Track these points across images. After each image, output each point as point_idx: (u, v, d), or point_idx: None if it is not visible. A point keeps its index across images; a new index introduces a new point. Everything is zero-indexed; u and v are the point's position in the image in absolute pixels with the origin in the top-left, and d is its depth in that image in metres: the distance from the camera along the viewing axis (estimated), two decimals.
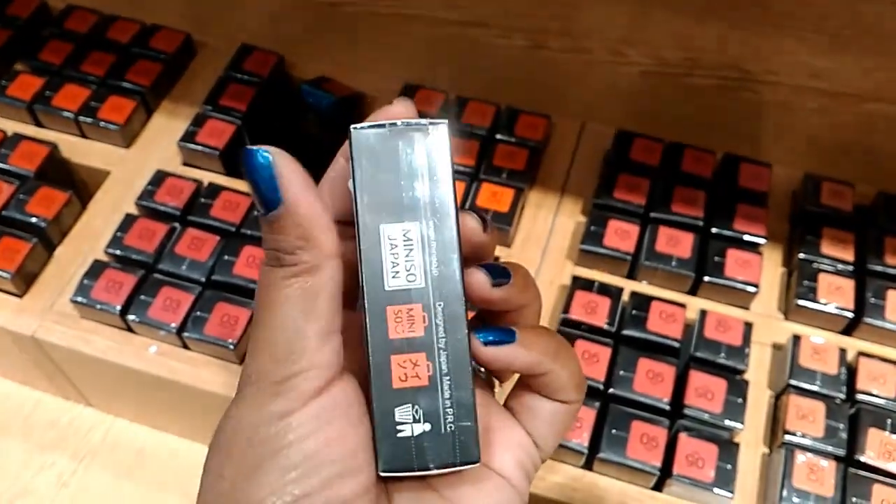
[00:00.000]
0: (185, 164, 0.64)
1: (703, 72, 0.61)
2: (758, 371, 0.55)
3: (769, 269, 0.60)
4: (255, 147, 0.26)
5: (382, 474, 0.27)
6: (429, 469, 0.27)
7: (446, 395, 0.27)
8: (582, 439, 0.49)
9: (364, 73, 0.70)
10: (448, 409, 0.27)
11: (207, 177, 0.62)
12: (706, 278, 0.57)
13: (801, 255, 0.58)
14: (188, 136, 0.63)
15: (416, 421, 0.27)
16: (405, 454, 0.27)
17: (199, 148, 0.62)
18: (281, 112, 0.67)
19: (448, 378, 0.27)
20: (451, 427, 0.27)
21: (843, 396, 0.52)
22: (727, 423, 0.50)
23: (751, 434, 0.52)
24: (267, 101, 0.66)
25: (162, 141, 0.66)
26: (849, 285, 0.56)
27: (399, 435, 0.27)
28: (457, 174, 0.59)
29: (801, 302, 0.56)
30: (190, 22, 0.72)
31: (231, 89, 0.66)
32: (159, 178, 0.61)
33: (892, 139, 0.61)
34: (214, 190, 0.60)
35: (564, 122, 0.67)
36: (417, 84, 0.67)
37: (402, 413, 0.27)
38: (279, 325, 0.26)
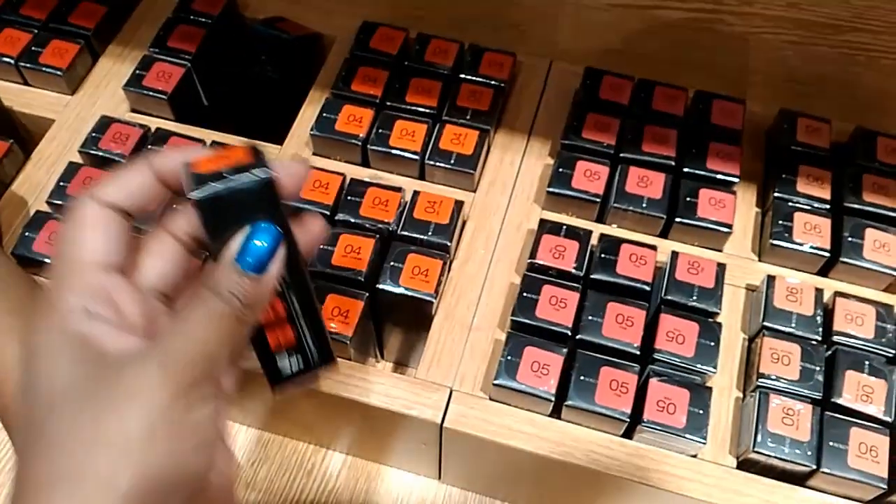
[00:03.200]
0: (133, 110, 0.61)
1: (675, 3, 0.58)
2: (731, 314, 0.53)
3: (743, 210, 0.58)
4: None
5: None
6: None
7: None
8: (549, 386, 0.48)
9: (321, 12, 0.66)
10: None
11: (156, 123, 0.59)
12: (678, 219, 0.55)
13: (777, 194, 0.56)
14: (134, 81, 0.59)
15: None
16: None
17: (146, 92, 0.59)
18: (232, 54, 0.64)
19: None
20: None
21: (819, 338, 0.50)
22: (699, 367, 0.48)
23: (724, 378, 0.51)
24: (218, 42, 0.63)
25: (108, 86, 0.62)
26: (825, 224, 0.54)
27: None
28: (420, 114, 0.57)
29: (776, 242, 0.54)
30: None
31: (179, 30, 0.62)
32: (104, 124, 0.57)
33: (870, 71, 0.58)
34: (162, 136, 0.57)
35: (531, 61, 0.64)
36: (376, 22, 0.63)
37: None
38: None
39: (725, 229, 0.54)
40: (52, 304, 0.31)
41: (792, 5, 0.55)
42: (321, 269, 0.51)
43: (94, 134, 0.57)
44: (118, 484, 0.28)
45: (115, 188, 0.33)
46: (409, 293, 0.51)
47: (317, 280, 0.51)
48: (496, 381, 0.48)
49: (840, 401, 0.48)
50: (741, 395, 0.51)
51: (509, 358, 0.48)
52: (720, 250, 0.56)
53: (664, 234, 0.56)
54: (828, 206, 0.56)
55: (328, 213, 0.54)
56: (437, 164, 0.57)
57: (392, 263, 0.52)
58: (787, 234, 0.54)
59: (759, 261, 0.56)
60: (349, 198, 0.54)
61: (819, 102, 0.61)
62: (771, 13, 0.57)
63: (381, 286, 0.51)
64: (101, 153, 0.56)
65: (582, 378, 0.48)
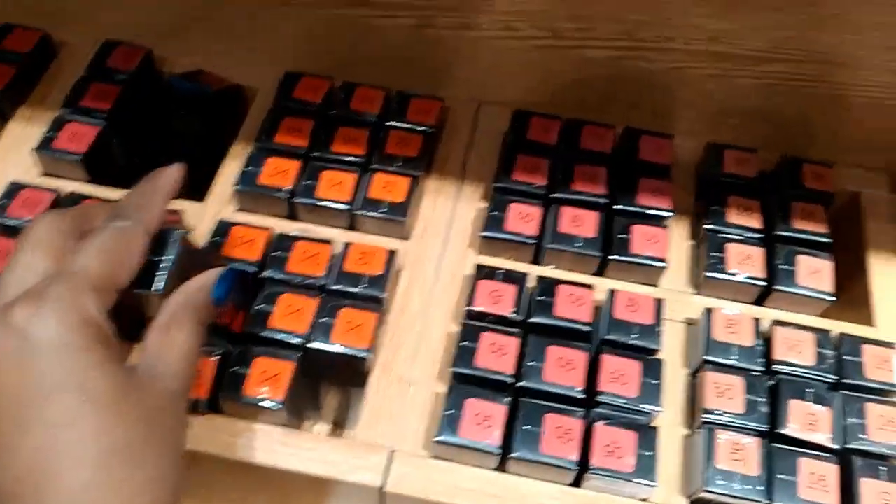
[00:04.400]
0: (46, 173, 0.58)
1: (598, 42, 0.58)
2: (672, 349, 0.53)
3: (677, 243, 0.58)
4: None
5: None
6: None
7: None
8: (493, 439, 0.46)
9: (242, 64, 0.65)
10: None
11: (70, 185, 0.57)
12: (612, 257, 0.54)
13: (708, 226, 0.56)
14: (45, 143, 0.57)
15: None
16: None
17: (58, 154, 0.56)
18: (151, 110, 0.62)
19: None
20: None
21: (761, 369, 0.50)
22: (645, 407, 0.48)
23: (670, 416, 0.50)
24: (135, 98, 0.61)
25: (19, 150, 0.60)
26: (758, 253, 0.55)
27: None
28: (348, 164, 0.57)
29: (710, 274, 0.54)
30: (47, 19, 0.65)
31: (94, 89, 0.60)
32: (13, 190, 0.55)
33: (792, 100, 0.59)
34: (76, 200, 0.54)
35: (460, 105, 0.64)
36: (300, 72, 0.62)
37: None
38: None
39: (660, 264, 0.54)
40: None
41: (712, 39, 0.56)
42: (257, 333, 0.49)
43: (2, 200, 0.54)
44: None
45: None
46: (343, 351, 0.49)
47: (247, 344, 0.49)
48: (438, 438, 0.46)
49: (786, 431, 0.47)
50: (688, 432, 0.50)
51: (450, 412, 0.47)
52: (656, 285, 0.56)
53: (600, 273, 0.56)
54: (759, 235, 0.56)
55: (256, 269, 0.52)
56: (368, 213, 0.55)
57: (323, 319, 0.50)
58: (720, 266, 0.54)
59: (696, 294, 0.55)
60: (276, 253, 0.52)
61: (746, 133, 0.61)
62: (692, 48, 0.57)
63: (312, 345, 0.49)
64: (9, 221, 0.53)
65: (526, 427, 0.46)
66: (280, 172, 0.56)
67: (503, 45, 0.60)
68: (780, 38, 0.55)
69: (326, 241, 0.53)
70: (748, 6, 0.54)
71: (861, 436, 0.48)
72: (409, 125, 0.60)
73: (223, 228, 0.54)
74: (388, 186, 0.56)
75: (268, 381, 0.47)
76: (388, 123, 0.60)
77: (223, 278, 0.43)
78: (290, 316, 0.49)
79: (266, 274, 0.52)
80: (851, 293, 0.58)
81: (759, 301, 0.55)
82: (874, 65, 0.57)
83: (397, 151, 0.58)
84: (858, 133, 0.61)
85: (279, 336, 0.49)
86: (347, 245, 0.54)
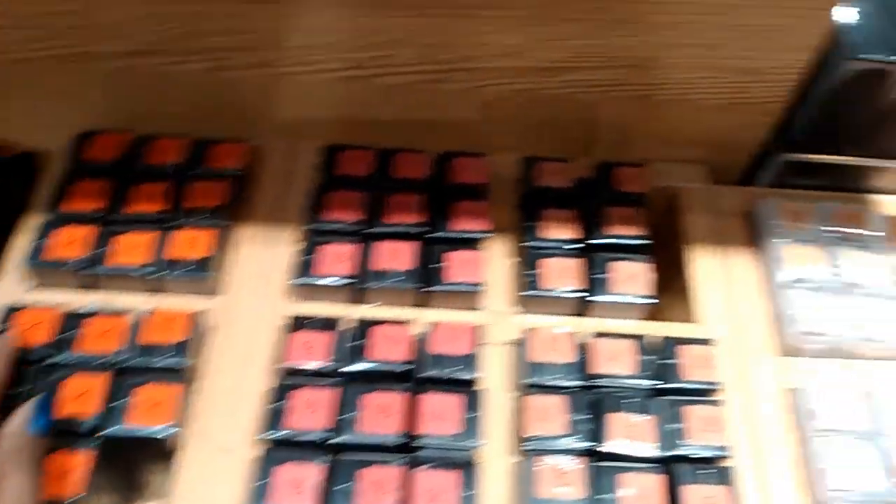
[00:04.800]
0: None
1: (400, 69, 0.57)
2: (496, 375, 0.52)
3: (499, 264, 0.57)
4: None
5: None
6: None
7: None
8: None
9: (33, 128, 0.61)
10: None
11: None
12: (430, 288, 0.53)
13: (524, 243, 0.55)
14: None
15: None
16: None
17: None
18: None
19: None
20: None
21: (582, 384, 0.49)
22: (465, 443, 0.47)
23: (496, 447, 0.49)
24: None
25: None
26: (576, 265, 0.54)
27: None
28: (147, 223, 0.54)
29: (527, 292, 0.53)
30: None
31: None
32: None
33: (599, 106, 0.59)
34: None
35: (273, 145, 0.62)
36: (93, 129, 0.59)
37: None
38: None
39: (476, 289, 0.53)
40: None
41: (509, 55, 0.55)
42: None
43: None
44: None
45: None
46: (142, 432, 0.46)
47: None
48: None
49: (607, 447, 0.47)
50: (515, 459, 0.49)
51: (260, 482, 0.45)
52: (480, 309, 0.55)
53: (424, 305, 0.54)
54: (576, 246, 0.55)
55: (46, 356, 0.49)
56: (171, 275, 0.53)
57: (119, 401, 0.47)
58: (537, 283, 0.53)
59: (520, 313, 0.55)
60: (66, 334, 0.49)
61: (560, 144, 0.61)
62: (492, 65, 0.56)
63: (108, 430, 0.46)
64: None
65: (339, 487, 0.45)
66: (72, 242, 0.53)
67: (305, 79, 0.58)
68: (576, 46, 0.54)
69: (122, 313, 0.50)
70: (537, 20, 0.53)
71: (682, 441, 0.48)
72: (212, 172, 0.57)
73: (10, 313, 0.50)
74: (192, 242, 0.54)
75: (62, 477, 0.44)
76: (189, 173, 0.57)
77: (39, 407, 0.42)
78: (78, 400, 0.46)
79: (56, 359, 0.49)
80: (679, 290, 0.59)
81: (581, 312, 0.55)
82: (670, 63, 0.57)
83: (201, 203, 0.56)
84: (669, 130, 0.62)
85: (67, 426, 0.46)
86: (146, 313, 0.51)
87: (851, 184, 0.64)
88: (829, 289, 0.55)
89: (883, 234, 0.58)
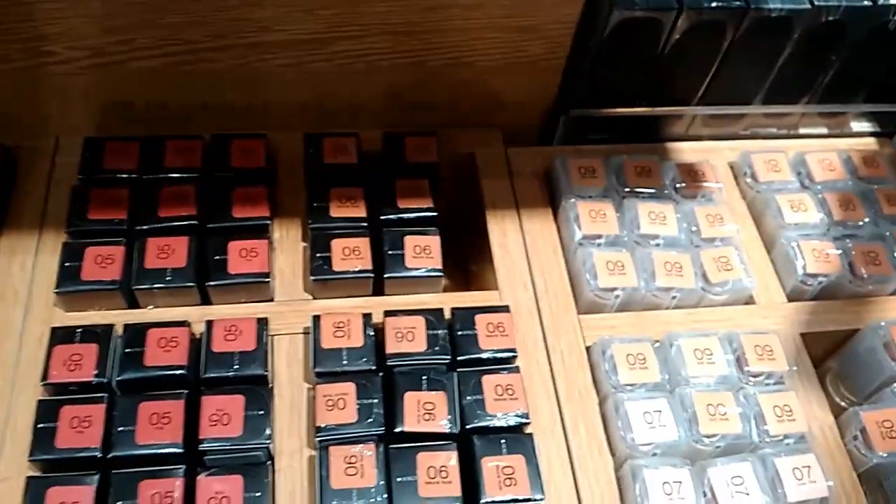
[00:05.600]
0: None
1: (146, 52, 0.52)
2: (291, 366, 0.49)
3: (291, 249, 0.54)
4: None
5: None
6: None
7: None
8: None
9: None
10: None
11: None
12: (210, 283, 0.50)
13: (311, 225, 0.53)
14: None
15: None
16: None
17: None
18: None
19: None
20: None
21: (373, 367, 0.47)
22: (250, 444, 0.44)
23: (293, 442, 0.47)
24: None
25: None
26: (364, 244, 0.52)
27: None
28: None
29: (317, 276, 0.51)
30: None
31: None
32: None
33: (380, 76, 0.57)
34: None
35: (30, 145, 0.56)
36: None
37: None
38: None
39: (263, 279, 0.50)
40: None
41: (264, 30, 0.52)
42: None
43: None
44: None
45: None
46: None
47: None
48: None
49: (403, 428, 0.45)
50: (313, 453, 0.47)
51: None
52: (271, 300, 0.52)
53: (208, 301, 0.51)
54: (365, 224, 0.53)
55: None
56: None
57: None
58: (326, 266, 0.51)
59: (315, 299, 0.52)
60: None
61: (343, 118, 0.59)
62: (249, 41, 0.53)
63: None
64: None
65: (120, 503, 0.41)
66: None
67: (46, 71, 0.53)
68: (329, 16, 0.52)
69: None
70: None
71: (480, 412, 0.47)
72: None
73: None
74: None
75: None
76: None
77: None
78: None
79: None
80: (485, 258, 0.58)
81: (377, 292, 0.53)
82: (435, 27, 0.55)
83: None
84: (454, 96, 0.61)
85: None
86: None
87: (649, 134, 0.65)
88: (622, 243, 0.56)
89: (674, 182, 0.59)
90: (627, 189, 0.58)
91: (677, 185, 0.59)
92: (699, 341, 0.51)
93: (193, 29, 0.52)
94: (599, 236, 0.56)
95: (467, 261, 0.63)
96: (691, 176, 0.60)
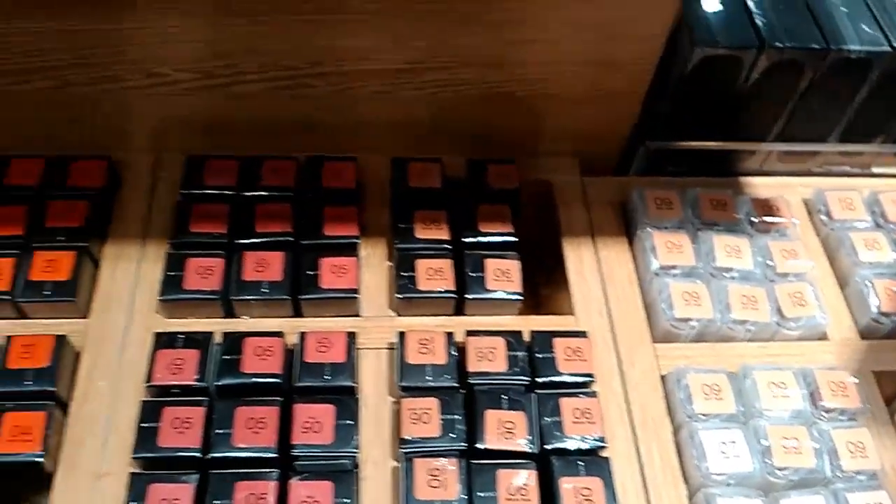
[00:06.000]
0: None
1: (251, 76, 0.56)
2: (376, 380, 0.51)
3: (376, 267, 0.56)
4: None
5: None
6: None
7: None
8: None
9: None
10: None
11: None
12: (302, 296, 0.52)
13: (397, 245, 0.55)
14: None
15: None
16: None
17: None
18: None
19: None
20: None
21: (455, 384, 0.49)
22: (340, 451, 0.46)
23: (377, 452, 0.49)
24: None
25: None
26: (447, 265, 0.54)
27: None
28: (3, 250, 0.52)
29: (402, 294, 0.53)
30: None
31: None
32: None
33: (462, 105, 0.59)
34: None
35: (136, 158, 0.60)
36: None
37: None
38: None
39: (352, 295, 0.53)
40: None
41: (362, 59, 0.55)
42: None
43: None
44: None
45: None
46: (11, 459, 0.44)
47: None
48: None
49: (484, 445, 0.47)
50: (396, 464, 0.49)
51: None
52: (357, 315, 0.54)
53: (299, 314, 0.54)
54: (448, 247, 0.55)
55: None
56: (32, 299, 0.51)
57: None
58: (411, 285, 0.53)
59: (398, 316, 0.54)
60: None
61: (427, 143, 0.61)
62: (346, 69, 0.56)
63: None
64: None
65: (216, 503, 0.44)
66: None
67: (154, 92, 0.56)
68: (425, 47, 0.55)
69: None
70: (384, 22, 0.53)
71: (558, 434, 0.48)
72: (72, 191, 0.55)
73: None
74: (51, 264, 0.52)
75: None
76: (48, 193, 0.55)
77: None
78: None
79: None
80: (559, 283, 0.59)
81: (458, 312, 0.55)
82: (521, 60, 0.57)
83: (59, 223, 0.54)
84: (536, 125, 0.63)
85: None
86: (8, 339, 0.49)
87: (722, 168, 0.66)
88: (698, 275, 0.57)
89: (749, 217, 0.60)
90: (703, 221, 0.59)
91: (752, 220, 0.60)
92: (774, 375, 0.52)
93: (295, 56, 0.55)
94: (675, 267, 0.57)
95: (538, 284, 0.64)
96: (766, 211, 0.61)
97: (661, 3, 0.54)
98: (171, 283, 0.52)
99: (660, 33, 0.56)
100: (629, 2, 0.53)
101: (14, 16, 0.51)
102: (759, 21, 0.58)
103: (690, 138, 0.64)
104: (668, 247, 0.57)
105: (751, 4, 0.60)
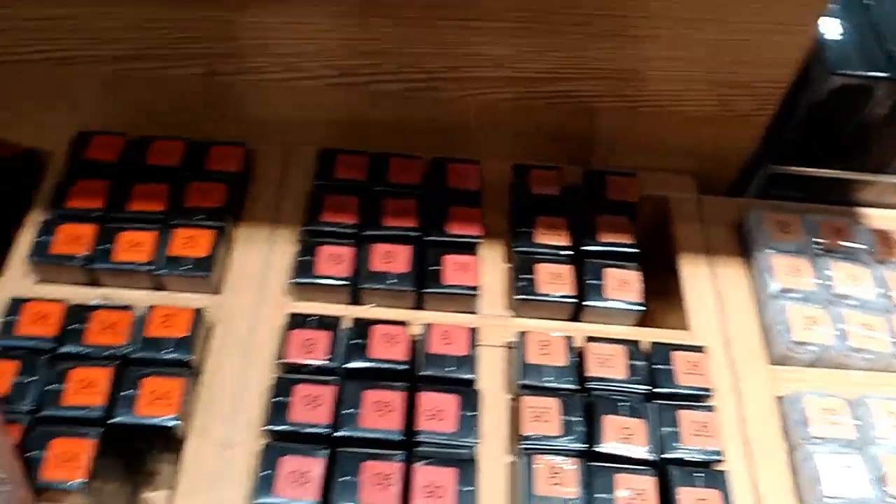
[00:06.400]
0: None
1: (390, 76, 0.58)
2: (493, 376, 0.53)
3: (493, 268, 0.58)
4: None
5: None
6: None
7: None
8: (310, 496, 0.45)
9: (32, 126, 0.61)
10: None
11: None
12: (426, 290, 0.54)
13: (517, 248, 0.56)
14: None
15: None
16: None
17: None
18: None
19: None
20: None
21: (575, 387, 0.50)
22: (463, 441, 0.47)
23: (493, 445, 0.50)
24: None
25: None
26: (567, 271, 0.55)
27: None
28: (146, 224, 0.54)
29: (521, 296, 0.54)
30: None
31: None
32: None
33: (586, 116, 0.60)
34: None
35: (268, 148, 0.62)
36: (92, 130, 0.59)
37: None
38: None
39: (472, 292, 0.54)
40: None
41: (497, 66, 0.57)
42: (50, 413, 0.46)
43: None
44: None
45: None
46: (148, 422, 0.47)
47: (46, 425, 0.46)
48: (254, 502, 0.45)
49: (603, 448, 0.48)
50: (513, 458, 0.50)
51: (264, 473, 0.45)
52: (475, 312, 0.55)
53: (419, 306, 0.55)
54: (567, 253, 0.56)
55: (53, 347, 0.49)
56: (172, 272, 0.53)
57: (126, 392, 0.47)
58: (531, 287, 0.54)
59: (515, 317, 0.56)
60: (73, 326, 0.50)
61: (550, 151, 0.62)
62: (480, 75, 0.58)
63: (114, 420, 0.46)
64: None
65: (343, 479, 0.45)
66: (75, 238, 0.54)
67: (293, 85, 0.59)
68: (561, 58, 0.56)
69: (127, 308, 0.51)
70: (523, 32, 0.55)
71: (675, 444, 0.49)
72: (210, 174, 0.58)
73: (16, 306, 0.51)
74: (190, 241, 0.54)
75: (67, 462, 0.44)
76: (188, 175, 0.58)
77: None
78: (84, 391, 0.47)
79: (63, 349, 0.49)
80: (669, 298, 0.60)
81: (575, 317, 0.56)
82: (653, 76, 0.58)
83: (199, 203, 0.56)
84: (657, 141, 0.63)
85: (74, 413, 0.46)
86: (150, 308, 0.51)
87: (838, 196, 0.66)
88: (817, 300, 0.57)
89: (868, 247, 0.60)
90: (822, 247, 0.59)
91: (871, 250, 0.60)
92: (891, 405, 0.52)
93: (435, 59, 0.57)
94: (794, 290, 0.57)
95: (648, 297, 0.65)
96: (885, 242, 0.61)
97: (799, 28, 0.54)
98: (303, 268, 0.54)
99: (795, 58, 0.56)
100: (767, 26, 0.54)
101: (177, 5, 0.54)
102: (894, 48, 0.58)
103: (809, 164, 0.64)
104: (787, 270, 0.57)
105: (882, 30, 0.60)
